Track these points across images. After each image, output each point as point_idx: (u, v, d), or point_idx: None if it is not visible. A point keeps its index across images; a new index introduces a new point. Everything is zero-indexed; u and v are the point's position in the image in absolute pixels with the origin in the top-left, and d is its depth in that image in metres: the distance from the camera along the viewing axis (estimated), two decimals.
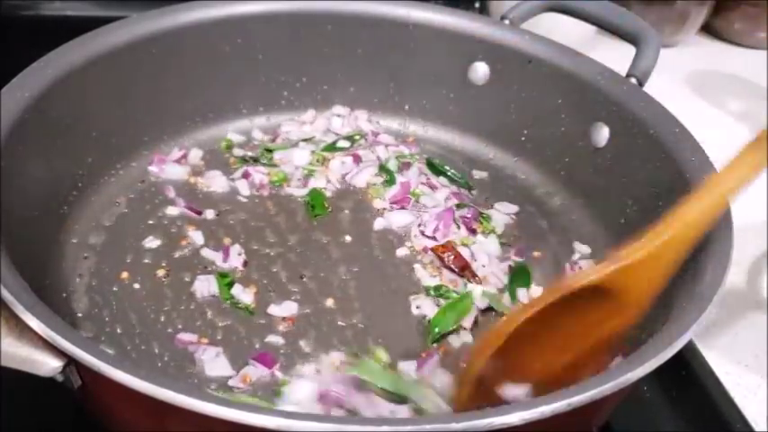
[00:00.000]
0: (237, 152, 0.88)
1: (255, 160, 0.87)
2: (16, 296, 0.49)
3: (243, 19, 0.86)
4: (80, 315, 0.67)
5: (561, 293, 0.57)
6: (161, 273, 0.72)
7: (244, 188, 0.83)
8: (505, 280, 0.76)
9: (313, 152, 0.89)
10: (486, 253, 0.78)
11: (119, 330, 0.66)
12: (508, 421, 0.44)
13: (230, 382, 0.63)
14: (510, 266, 0.77)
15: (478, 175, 0.90)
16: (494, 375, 0.58)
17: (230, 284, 0.71)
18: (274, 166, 0.87)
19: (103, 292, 0.69)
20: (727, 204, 0.59)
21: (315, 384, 0.62)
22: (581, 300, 0.57)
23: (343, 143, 0.91)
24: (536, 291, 0.75)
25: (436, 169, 0.89)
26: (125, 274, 0.71)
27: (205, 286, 0.70)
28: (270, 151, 0.88)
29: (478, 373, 0.58)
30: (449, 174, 0.89)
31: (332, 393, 0.61)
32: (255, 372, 0.64)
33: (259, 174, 0.84)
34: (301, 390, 0.62)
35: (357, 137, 0.92)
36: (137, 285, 0.71)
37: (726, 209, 0.60)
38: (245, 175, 0.84)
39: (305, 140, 0.90)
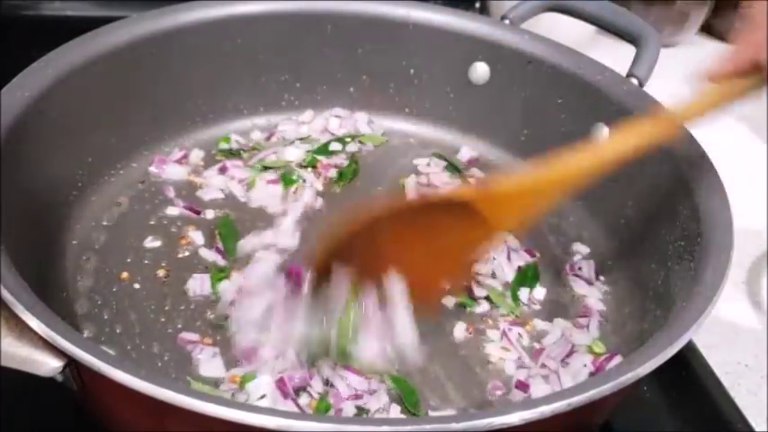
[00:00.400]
0: (223, 146, 0.88)
1: (237, 155, 0.87)
2: (16, 296, 0.49)
3: (243, 19, 0.86)
4: (80, 315, 0.67)
5: (430, 200, 0.62)
6: (161, 273, 0.72)
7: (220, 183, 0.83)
8: (511, 277, 0.76)
9: (308, 152, 0.89)
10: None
11: (118, 330, 0.66)
12: (508, 421, 0.45)
13: (221, 385, 0.62)
14: (519, 267, 0.77)
15: (478, 175, 0.90)
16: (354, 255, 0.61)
17: (222, 279, 0.71)
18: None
19: (103, 293, 0.69)
20: (605, 167, 0.61)
21: (269, 376, 0.61)
22: (447, 212, 0.61)
23: (335, 146, 0.90)
24: (539, 292, 0.75)
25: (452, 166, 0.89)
26: (125, 275, 0.71)
27: (198, 284, 0.71)
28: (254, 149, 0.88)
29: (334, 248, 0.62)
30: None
31: (286, 380, 0.61)
32: (242, 371, 0.63)
33: (237, 169, 0.84)
34: (260, 384, 0.61)
35: (348, 139, 0.91)
36: (137, 285, 0.71)
37: (603, 170, 0.61)
38: (222, 169, 0.84)
39: (301, 139, 0.91)
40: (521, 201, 0.61)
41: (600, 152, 0.62)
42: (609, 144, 0.62)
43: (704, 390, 0.71)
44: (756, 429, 0.69)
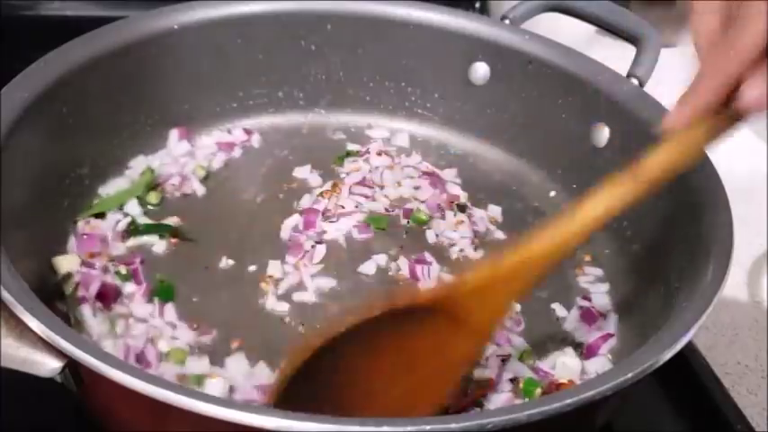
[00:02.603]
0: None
1: None
2: (16, 297, 0.49)
3: (243, 19, 0.86)
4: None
5: (384, 309, 0.53)
6: (159, 276, 0.72)
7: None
8: None
9: None
10: None
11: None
12: (508, 421, 0.45)
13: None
14: None
15: (478, 174, 0.90)
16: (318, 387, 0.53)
17: None
18: None
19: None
20: (575, 242, 0.54)
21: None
22: (419, 321, 0.53)
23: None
24: None
25: None
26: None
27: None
28: None
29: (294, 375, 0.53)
30: None
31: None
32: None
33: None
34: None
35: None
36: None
37: (572, 247, 0.55)
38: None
39: None
40: (496, 292, 0.54)
41: (575, 223, 0.54)
42: (580, 215, 0.53)
43: (704, 390, 0.71)
44: (756, 429, 0.69)
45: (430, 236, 0.79)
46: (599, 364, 0.68)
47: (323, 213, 0.79)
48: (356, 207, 0.80)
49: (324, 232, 0.77)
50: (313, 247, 0.75)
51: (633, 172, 0.53)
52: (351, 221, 0.79)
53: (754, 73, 0.46)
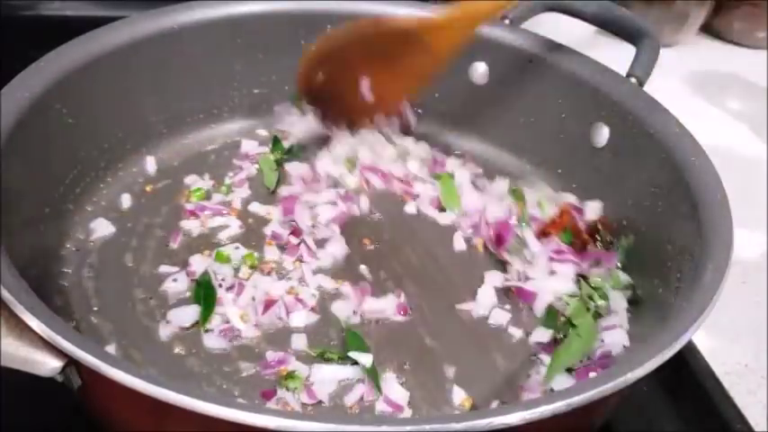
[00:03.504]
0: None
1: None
2: (16, 296, 0.49)
3: (243, 19, 0.86)
4: (80, 315, 0.67)
5: (386, 26, 0.79)
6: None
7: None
8: None
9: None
10: None
11: (119, 332, 0.66)
12: (508, 421, 0.45)
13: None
14: None
15: (477, 175, 0.90)
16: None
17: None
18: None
19: (104, 292, 0.69)
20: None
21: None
22: (398, 42, 0.78)
23: None
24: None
25: None
26: (126, 274, 0.72)
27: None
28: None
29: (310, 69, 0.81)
30: None
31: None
32: None
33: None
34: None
35: None
36: (137, 284, 0.71)
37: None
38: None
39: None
40: (457, 30, 0.78)
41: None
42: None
43: (704, 390, 0.71)
44: (756, 429, 0.69)
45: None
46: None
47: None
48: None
49: None
50: None
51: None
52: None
53: None
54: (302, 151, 0.89)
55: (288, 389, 0.62)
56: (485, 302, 0.72)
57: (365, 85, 0.82)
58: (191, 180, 0.83)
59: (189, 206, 0.79)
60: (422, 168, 0.88)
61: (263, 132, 0.91)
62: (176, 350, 0.65)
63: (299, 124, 0.90)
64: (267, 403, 0.61)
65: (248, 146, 0.89)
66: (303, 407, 0.61)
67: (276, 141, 0.88)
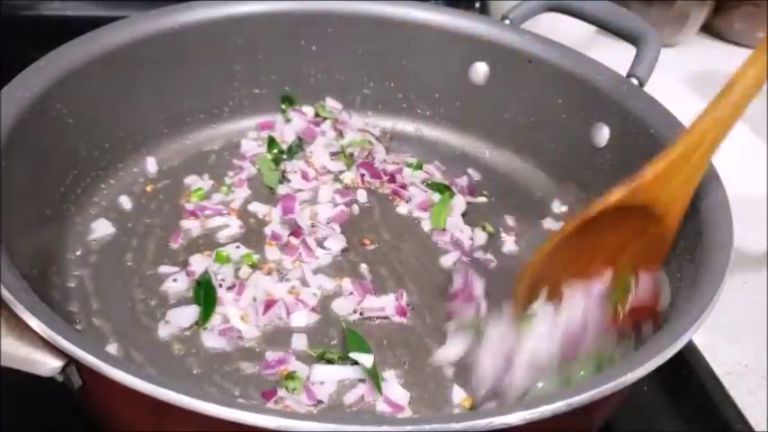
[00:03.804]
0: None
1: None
2: (16, 296, 0.49)
3: (243, 19, 0.86)
4: (80, 315, 0.67)
5: (591, 215, 0.63)
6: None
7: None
8: None
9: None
10: None
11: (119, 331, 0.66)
12: (508, 421, 0.45)
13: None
14: None
15: (478, 175, 0.90)
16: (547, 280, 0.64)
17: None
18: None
19: (104, 292, 0.69)
20: (739, 111, 0.61)
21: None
22: (614, 219, 0.62)
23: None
24: None
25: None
26: (126, 274, 0.72)
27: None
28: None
29: (529, 281, 0.65)
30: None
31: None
32: None
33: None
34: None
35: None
36: (137, 284, 0.71)
37: (738, 115, 0.61)
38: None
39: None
40: (678, 176, 0.62)
41: (733, 95, 0.61)
42: (737, 85, 0.61)
43: (704, 390, 0.71)
44: (756, 429, 0.69)
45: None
46: None
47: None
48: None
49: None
50: None
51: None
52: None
53: None
54: (299, 149, 0.89)
55: (288, 389, 0.62)
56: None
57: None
58: (191, 180, 0.83)
59: (189, 206, 0.79)
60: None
61: (262, 133, 0.91)
62: (176, 350, 0.65)
63: (288, 129, 0.90)
64: (267, 403, 0.61)
65: (248, 146, 0.89)
66: (303, 406, 0.61)
67: (272, 141, 0.88)
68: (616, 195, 0.62)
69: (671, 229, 0.64)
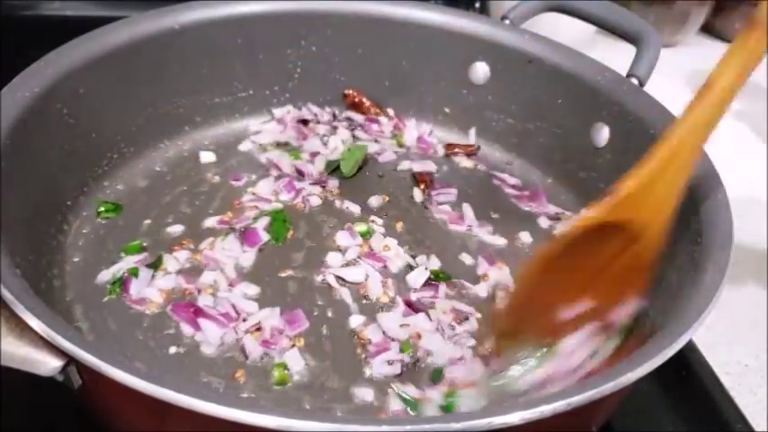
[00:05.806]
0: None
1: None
2: (16, 296, 0.49)
3: (243, 19, 0.86)
4: (81, 314, 0.67)
5: (566, 239, 0.59)
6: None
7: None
8: None
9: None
10: None
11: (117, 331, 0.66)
12: (508, 421, 0.44)
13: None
14: None
15: (477, 175, 0.90)
16: (526, 319, 0.61)
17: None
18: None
19: (104, 292, 0.69)
20: (720, 113, 0.57)
21: None
22: (592, 240, 0.58)
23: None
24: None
25: None
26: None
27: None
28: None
29: (506, 324, 0.63)
30: None
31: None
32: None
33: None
34: None
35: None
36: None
37: (719, 117, 0.58)
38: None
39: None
40: (655, 191, 0.58)
41: (712, 97, 0.58)
42: (714, 88, 0.57)
43: (704, 390, 0.71)
44: (756, 429, 0.69)
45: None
46: None
47: None
48: None
49: None
50: None
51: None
52: None
53: None
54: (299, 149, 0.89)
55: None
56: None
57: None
58: (189, 182, 0.83)
59: (188, 208, 0.79)
60: None
61: (261, 135, 0.91)
62: (175, 350, 0.65)
63: (270, 131, 0.91)
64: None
65: (247, 146, 0.89)
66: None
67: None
68: (589, 217, 0.59)
69: (652, 246, 0.60)
